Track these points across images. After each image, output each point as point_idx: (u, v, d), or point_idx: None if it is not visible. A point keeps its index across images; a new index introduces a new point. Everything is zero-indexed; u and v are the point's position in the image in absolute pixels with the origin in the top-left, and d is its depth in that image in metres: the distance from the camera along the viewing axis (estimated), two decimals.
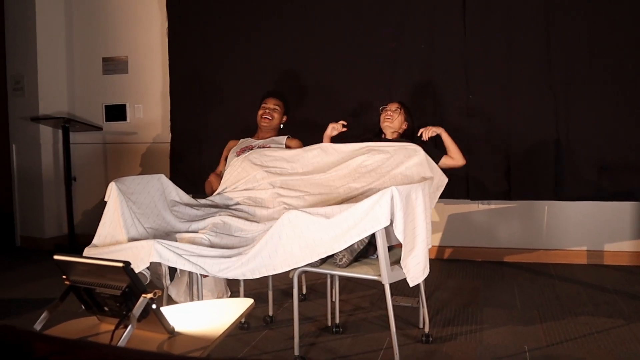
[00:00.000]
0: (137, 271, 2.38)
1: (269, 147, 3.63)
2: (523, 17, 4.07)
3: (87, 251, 2.59)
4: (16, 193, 5.34)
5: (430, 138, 3.40)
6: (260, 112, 3.84)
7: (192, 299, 2.87)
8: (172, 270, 2.75)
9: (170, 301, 3.07)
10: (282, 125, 3.92)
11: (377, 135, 3.60)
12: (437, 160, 3.27)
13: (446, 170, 3.20)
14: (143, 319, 1.55)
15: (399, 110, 3.51)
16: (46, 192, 5.22)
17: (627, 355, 2.66)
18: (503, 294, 3.64)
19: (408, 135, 3.52)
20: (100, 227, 2.67)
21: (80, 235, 4.84)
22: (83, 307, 1.70)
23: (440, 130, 3.38)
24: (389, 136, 3.51)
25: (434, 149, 3.41)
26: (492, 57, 4.14)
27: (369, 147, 3.21)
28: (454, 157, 3.36)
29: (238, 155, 3.56)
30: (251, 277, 2.48)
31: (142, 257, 2.39)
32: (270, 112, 3.82)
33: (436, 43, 4.23)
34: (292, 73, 4.56)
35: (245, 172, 3.29)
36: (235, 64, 4.68)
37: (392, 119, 3.48)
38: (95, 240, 2.65)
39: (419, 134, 3.40)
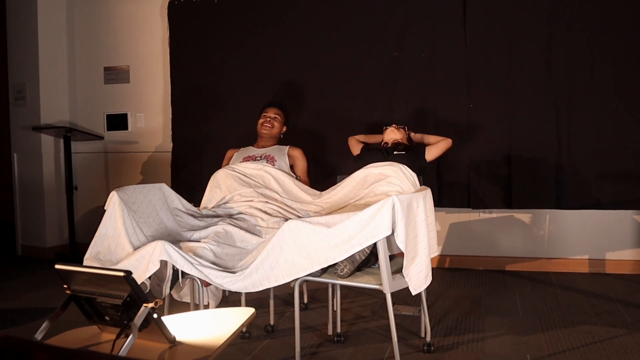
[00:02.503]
0: (148, 274, 2.39)
1: (273, 162, 3.64)
2: (524, 27, 4.09)
3: (89, 263, 2.58)
4: (17, 202, 5.34)
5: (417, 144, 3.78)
6: (261, 120, 3.85)
7: (194, 308, 2.87)
8: (174, 280, 2.74)
9: (172, 306, 3.07)
10: (282, 135, 3.92)
11: (378, 147, 3.74)
12: (423, 154, 3.61)
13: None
14: (144, 329, 1.55)
15: (402, 129, 3.77)
16: (47, 201, 5.22)
17: None
18: (505, 302, 3.63)
19: (407, 147, 3.68)
20: (97, 235, 2.66)
21: (82, 244, 4.83)
22: (82, 314, 1.71)
23: (400, 136, 3.72)
24: (390, 143, 3.65)
25: (418, 151, 3.65)
26: (493, 67, 4.15)
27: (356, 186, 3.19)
28: (434, 142, 3.70)
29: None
30: (253, 290, 2.49)
31: (152, 259, 2.39)
32: (271, 121, 3.83)
33: (437, 52, 4.25)
34: (292, 83, 4.57)
35: (241, 183, 3.28)
36: (236, 74, 4.70)
37: (395, 133, 3.70)
38: (91, 249, 2.63)
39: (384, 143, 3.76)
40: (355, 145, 3.88)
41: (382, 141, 3.76)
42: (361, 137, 3.94)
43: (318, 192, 3.32)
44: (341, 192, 3.15)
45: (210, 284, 2.58)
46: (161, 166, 5.08)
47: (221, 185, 3.29)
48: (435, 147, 3.66)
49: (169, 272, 2.67)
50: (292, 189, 3.30)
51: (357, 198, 3.04)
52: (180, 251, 2.45)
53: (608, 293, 3.77)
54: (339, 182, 3.61)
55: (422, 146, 3.70)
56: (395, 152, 3.59)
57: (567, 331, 3.07)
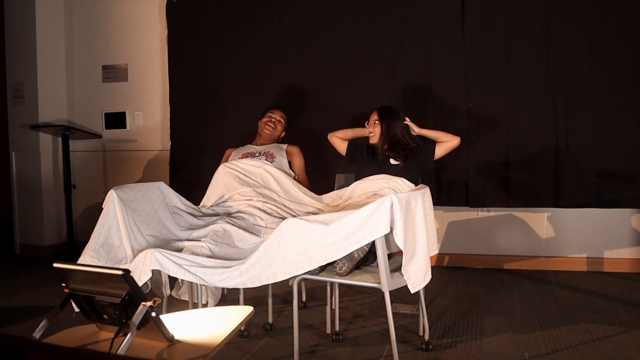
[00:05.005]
0: (141, 283, 2.38)
1: (273, 158, 3.63)
2: (522, 25, 4.09)
3: (87, 261, 2.57)
4: (16, 200, 5.34)
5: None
6: (265, 119, 3.86)
7: (192, 306, 2.86)
8: (172, 280, 2.74)
9: (170, 305, 3.07)
10: (280, 140, 3.94)
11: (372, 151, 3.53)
12: (432, 153, 3.40)
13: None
14: (143, 327, 1.55)
15: (377, 122, 3.42)
16: (46, 199, 5.21)
17: None
18: (503, 301, 3.63)
19: (398, 141, 3.40)
20: (93, 235, 2.65)
21: (80, 242, 4.81)
22: (76, 310, 1.71)
23: (416, 131, 3.46)
24: (380, 145, 3.43)
25: (427, 145, 3.45)
26: (491, 65, 4.15)
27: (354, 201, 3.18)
28: (445, 140, 3.41)
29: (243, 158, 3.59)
30: (251, 286, 2.48)
31: (144, 268, 2.40)
32: (275, 123, 3.85)
33: (436, 51, 4.25)
34: (291, 82, 4.57)
35: (240, 182, 3.28)
36: (235, 72, 4.70)
37: (373, 134, 3.42)
38: (90, 248, 2.63)
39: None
40: (340, 144, 3.63)
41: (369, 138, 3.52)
42: (341, 134, 3.65)
43: (317, 196, 3.32)
44: (343, 202, 3.16)
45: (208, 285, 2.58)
46: (160, 165, 5.07)
47: (220, 183, 3.29)
48: (446, 146, 3.40)
49: (165, 277, 2.67)
50: (291, 189, 3.30)
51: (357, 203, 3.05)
52: (171, 256, 2.43)
53: (606, 291, 3.77)
54: (337, 181, 3.62)
55: (428, 147, 3.42)
56: (391, 161, 3.39)
57: (565, 329, 3.08)
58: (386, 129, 3.39)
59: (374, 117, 3.45)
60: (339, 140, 3.64)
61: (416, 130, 3.45)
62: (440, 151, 3.41)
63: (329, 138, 3.68)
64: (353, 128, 3.67)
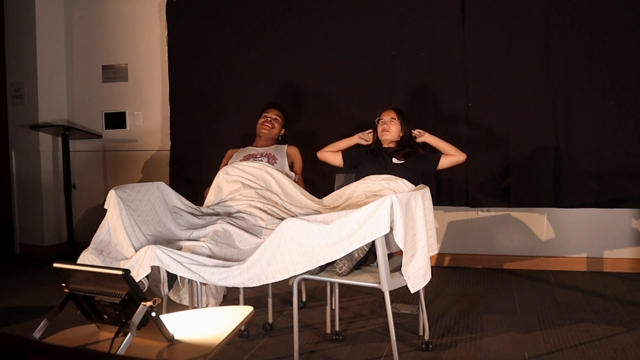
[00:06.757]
0: (138, 279, 2.39)
1: (274, 160, 3.64)
2: (522, 25, 4.09)
3: (87, 258, 2.57)
4: (16, 201, 5.34)
5: (426, 145, 3.55)
6: (261, 120, 3.86)
7: (192, 306, 2.86)
8: (171, 279, 2.74)
9: (170, 308, 3.06)
10: (280, 138, 3.93)
11: (376, 146, 3.55)
12: (436, 163, 3.41)
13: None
14: (142, 327, 1.55)
15: (394, 120, 3.48)
16: (46, 199, 5.21)
17: None
18: (503, 301, 3.63)
19: (405, 142, 3.49)
20: (98, 233, 2.66)
21: (80, 242, 4.83)
22: (79, 312, 1.70)
23: (424, 138, 3.51)
24: (386, 145, 3.50)
25: (433, 154, 3.48)
26: (491, 65, 4.15)
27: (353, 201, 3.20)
28: (452, 153, 3.44)
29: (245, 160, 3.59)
30: (251, 286, 2.48)
31: (143, 264, 2.40)
32: (272, 121, 3.84)
33: (436, 51, 4.25)
34: (291, 82, 4.57)
35: (242, 185, 3.28)
36: (235, 73, 4.70)
37: (389, 131, 3.47)
38: (92, 246, 2.63)
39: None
40: (333, 158, 3.63)
41: (374, 137, 3.58)
42: (331, 148, 3.66)
43: (317, 199, 3.32)
44: (343, 203, 3.16)
45: (207, 283, 2.58)
46: (160, 165, 5.08)
47: (223, 190, 3.30)
48: (451, 159, 3.42)
49: (163, 275, 2.67)
50: (292, 192, 3.30)
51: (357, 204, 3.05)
52: (172, 254, 2.44)
53: (606, 291, 3.77)
54: (337, 181, 3.62)
55: (434, 156, 3.44)
56: (394, 159, 3.38)
57: (565, 329, 3.08)
58: (404, 125, 3.49)
59: (391, 114, 3.50)
60: (331, 154, 3.65)
61: (427, 136, 3.51)
62: (444, 163, 3.43)
63: (319, 156, 3.69)
64: (340, 140, 3.69)
